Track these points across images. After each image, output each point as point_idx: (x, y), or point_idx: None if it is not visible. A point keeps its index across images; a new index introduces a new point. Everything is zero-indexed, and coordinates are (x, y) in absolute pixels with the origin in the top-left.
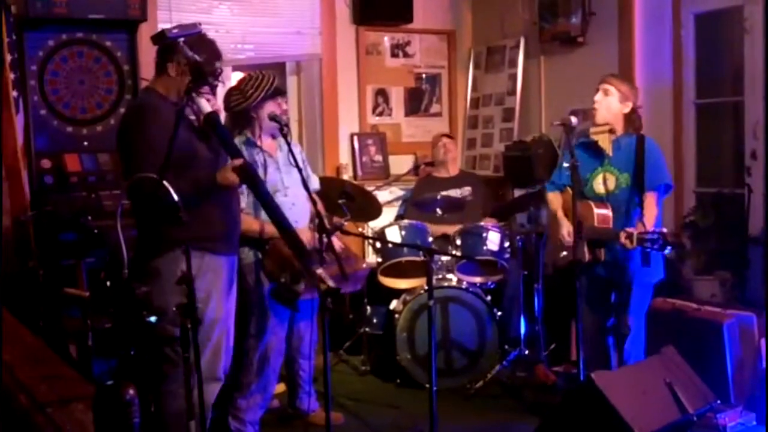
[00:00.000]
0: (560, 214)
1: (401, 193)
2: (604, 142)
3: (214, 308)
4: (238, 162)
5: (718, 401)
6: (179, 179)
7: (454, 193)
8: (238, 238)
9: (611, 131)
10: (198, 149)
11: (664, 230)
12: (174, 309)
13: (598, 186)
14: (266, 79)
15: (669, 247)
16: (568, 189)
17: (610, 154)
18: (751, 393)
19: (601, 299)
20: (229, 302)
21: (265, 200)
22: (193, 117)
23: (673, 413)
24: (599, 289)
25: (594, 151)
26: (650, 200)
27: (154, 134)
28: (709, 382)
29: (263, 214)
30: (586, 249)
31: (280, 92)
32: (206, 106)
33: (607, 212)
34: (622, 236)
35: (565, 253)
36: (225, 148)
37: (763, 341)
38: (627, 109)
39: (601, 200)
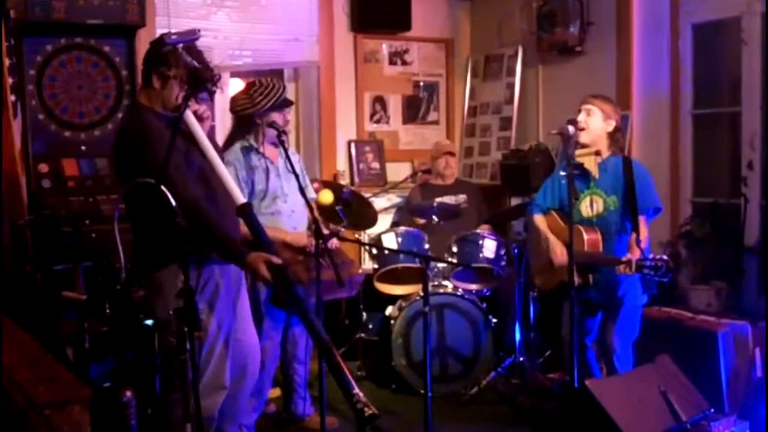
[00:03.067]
0: (550, 235)
1: (398, 200)
2: (590, 164)
3: (219, 318)
4: (276, 260)
5: (712, 410)
6: (215, 227)
7: (450, 200)
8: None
9: (597, 153)
10: (189, 158)
11: (665, 257)
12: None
13: (586, 209)
14: (275, 89)
15: (670, 274)
16: (552, 212)
17: (597, 176)
18: (745, 402)
19: (586, 319)
20: (239, 309)
21: (305, 308)
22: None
23: (667, 421)
24: (586, 309)
25: (580, 174)
26: (641, 224)
27: (159, 154)
28: (703, 390)
29: (261, 219)
30: (575, 273)
31: (287, 103)
32: (233, 186)
33: (597, 237)
34: (621, 267)
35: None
36: (257, 239)
37: (757, 350)
38: (610, 128)
39: (589, 224)
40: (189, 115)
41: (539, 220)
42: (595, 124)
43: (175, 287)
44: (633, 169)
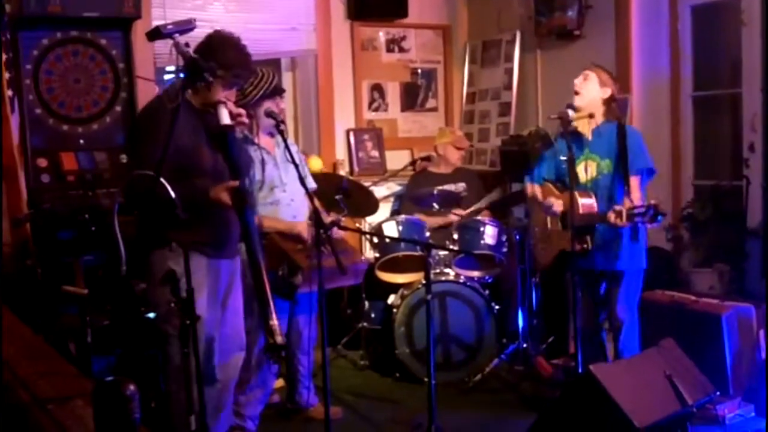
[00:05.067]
0: (540, 196)
1: (398, 188)
2: (584, 127)
3: (201, 309)
4: (233, 183)
5: (717, 393)
6: (176, 185)
7: (449, 188)
8: (236, 243)
9: (591, 116)
10: (203, 160)
11: (653, 201)
12: (164, 306)
13: (581, 173)
14: (265, 78)
15: (660, 217)
16: (547, 183)
17: (590, 138)
18: (750, 384)
19: (590, 293)
20: (231, 304)
21: (248, 229)
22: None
23: (672, 405)
24: (587, 282)
25: (575, 139)
26: (634, 185)
27: (161, 135)
28: (707, 374)
29: (260, 209)
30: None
31: (278, 91)
32: (225, 118)
33: (592, 202)
34: (612, 216)
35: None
36: (228, 165)
37: (761, 333)
38: (605, 95)
39: (584, 189)
40: (223, 113)
41: (530, 186)
42: (590, 88)
43: (162, 271)
44: (627, 134)
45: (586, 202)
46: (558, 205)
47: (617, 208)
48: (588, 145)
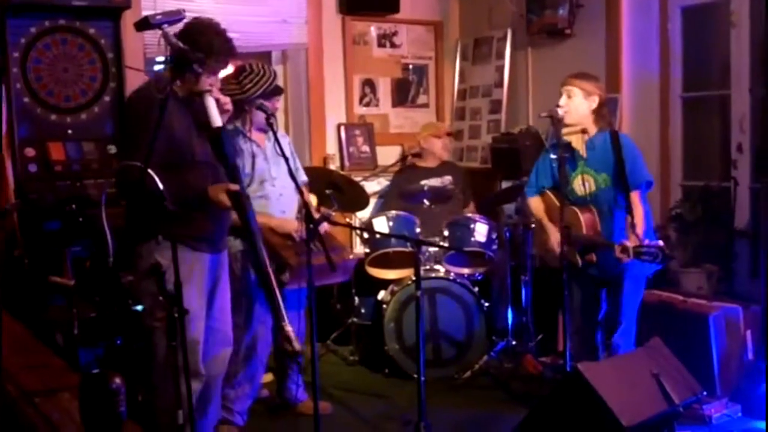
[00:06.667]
0: (546, 221)
1: (388, 183)
2: (577, 143)
3: (187, 303)
4: (234, 187)
5: (704, 393)
6: (171, 178)
7: (435, 182)
8: (224, 237)
9: (583, 131)
10: (195, 151)
11: (661, 243)
12: (150, 298)
13: (579, 188)
14: (266, 77)
15: (667, 261)
16: (548, 192)
17: (584, 155)
18: (737, 385)
19: (592, 295)
20: (218, 298)
21: (252, 232)
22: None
23: (659, 404)
24: (591, 285)
25: (569, 152)
26: (635, 200)
27: (150, 126)
28: (695, 373)
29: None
30: (577, 256)
31: (278, 91)
32: (214, 112)
33: (593, 217)
34: (618, 250)
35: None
36: (225, 167)
37: (749, 333)
38: (594, 105)
39: (583, 202)
40: (210, 102)
41: (535, 202)
42: (576, 104)
43: (149, 264)
44: (621, 145)
45: (587, 218)
46: (557, 247)
47: (624, 243)
48: (583, 159)
